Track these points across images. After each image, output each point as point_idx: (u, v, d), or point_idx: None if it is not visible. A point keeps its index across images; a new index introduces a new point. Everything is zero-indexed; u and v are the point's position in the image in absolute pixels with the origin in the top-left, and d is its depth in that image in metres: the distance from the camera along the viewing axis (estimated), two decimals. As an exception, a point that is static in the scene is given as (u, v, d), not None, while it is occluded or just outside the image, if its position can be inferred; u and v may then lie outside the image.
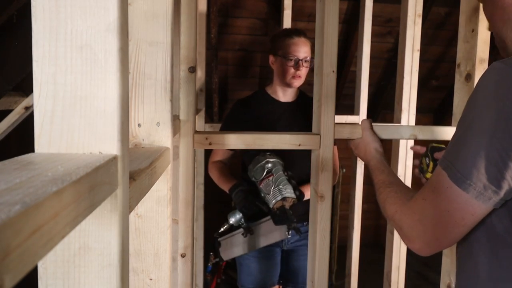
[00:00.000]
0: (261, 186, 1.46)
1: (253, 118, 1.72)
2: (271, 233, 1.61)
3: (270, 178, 1.43)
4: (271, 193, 1.42)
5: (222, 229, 1.66)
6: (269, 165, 1.46)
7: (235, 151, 1.80)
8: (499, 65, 0.64)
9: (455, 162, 0.66)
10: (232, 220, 1.58)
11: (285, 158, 1.51)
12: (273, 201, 1.42)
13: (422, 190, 0.74)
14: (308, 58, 1.65)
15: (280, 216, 1.43)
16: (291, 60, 1.64)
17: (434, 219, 0.69)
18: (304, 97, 1.80)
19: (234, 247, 1.69)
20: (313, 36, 1.17)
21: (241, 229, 1.62)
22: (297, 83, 1.68)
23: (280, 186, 1.41)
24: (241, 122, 1.73)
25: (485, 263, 0.70)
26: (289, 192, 1.41)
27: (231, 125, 1.76)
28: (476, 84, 0.68)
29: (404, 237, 0.76)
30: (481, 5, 0.83)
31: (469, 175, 0.64)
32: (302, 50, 1.65)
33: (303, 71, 1.66)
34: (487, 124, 0.62)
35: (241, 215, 1.57)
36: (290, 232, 1.55)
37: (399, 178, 0.97)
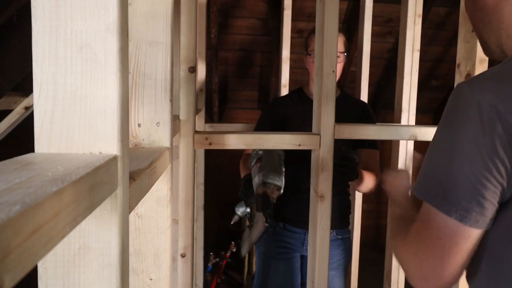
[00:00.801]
0: (251, 172, 1.43)
1: (287, 117, 1.68)
2: (257, 224, 1.52)
3: (258, 164, 1.39)
4: (255, 178, 1.37)
5: (232, 222, 1.63)
6: (261, 152, 1.42)
7: None
8: (464, 86, 0.64)
9: (435, 188, 0.65)
10: (238, 212, 1.55)
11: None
12: (255, 186, 1.37)
13: (415, 221, 0.71)
14: (338, 53, 1.52)
15: (259, 202, 1.36)
16: None
17: (429, 250, 0.66)
18: (345, 98, 1.71)
19: (245, 241, 1.66)
20: (313, 36, 1.17)
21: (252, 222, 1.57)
22: None
23: (265, 172, 1.35)
24: (274, 121, 1.69)
25: (482, 270, 0.69)
26: (271, 178, 1.33)
27: (265, 123, 1.73)
28: (446, 107, 0.66)
29: (405, 273, 0.73)
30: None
31: (450, 200, 0.62)
32: None
33: None
34: (459, 147, 0.62)
35: (244, 206, 1.53)
36: (268, 221, 1.42)
37: (414, 212, 0.89)
